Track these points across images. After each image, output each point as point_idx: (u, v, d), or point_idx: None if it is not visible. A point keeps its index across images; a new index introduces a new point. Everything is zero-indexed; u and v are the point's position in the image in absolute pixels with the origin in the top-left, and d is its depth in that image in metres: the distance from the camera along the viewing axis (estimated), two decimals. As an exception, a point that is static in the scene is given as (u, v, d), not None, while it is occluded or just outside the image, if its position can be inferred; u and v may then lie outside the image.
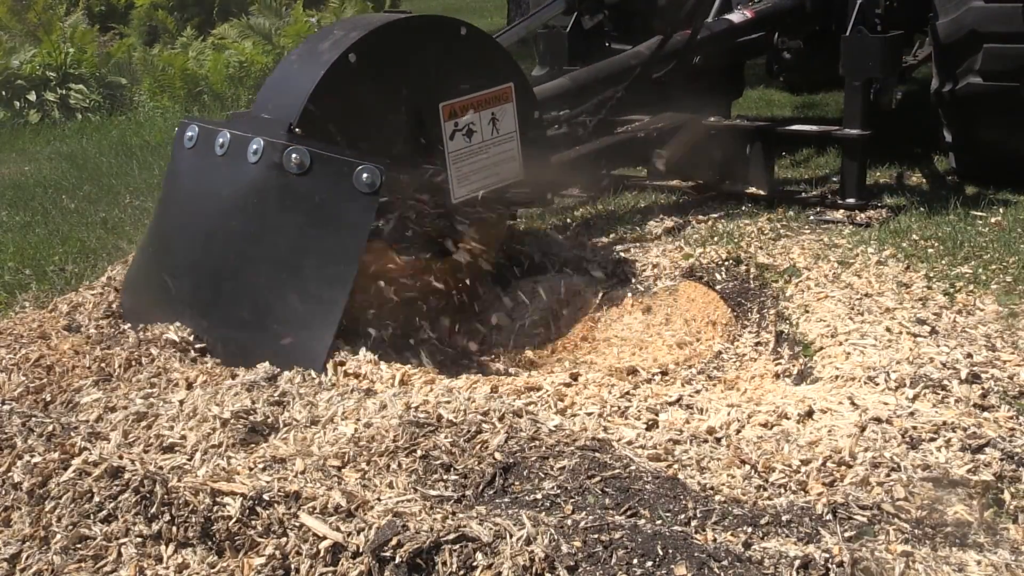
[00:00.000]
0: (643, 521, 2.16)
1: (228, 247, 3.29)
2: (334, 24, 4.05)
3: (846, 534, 2.13)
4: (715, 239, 4.47)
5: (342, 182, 3.08)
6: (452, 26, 3.77)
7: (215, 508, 2.20)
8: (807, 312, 3.50)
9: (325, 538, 2.10)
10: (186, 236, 3.46)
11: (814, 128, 5.48)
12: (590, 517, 2.15)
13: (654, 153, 3.98)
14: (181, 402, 2.80)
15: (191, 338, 3.26)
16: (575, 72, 5.06)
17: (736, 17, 5.43)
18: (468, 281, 3.76)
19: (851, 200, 4.87)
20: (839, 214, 4.82)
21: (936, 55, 5.09)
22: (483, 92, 3.79)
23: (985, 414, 2.64)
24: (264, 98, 3.55)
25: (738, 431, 2.62)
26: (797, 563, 1.98)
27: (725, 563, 1.98)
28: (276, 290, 3.15)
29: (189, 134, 3.45)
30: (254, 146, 3.21)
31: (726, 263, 4.15)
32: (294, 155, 3.13)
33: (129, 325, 3.41)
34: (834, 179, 5.35)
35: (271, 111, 3.41)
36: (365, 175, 3.05)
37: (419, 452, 2.45)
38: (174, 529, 2.20)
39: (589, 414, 2.72)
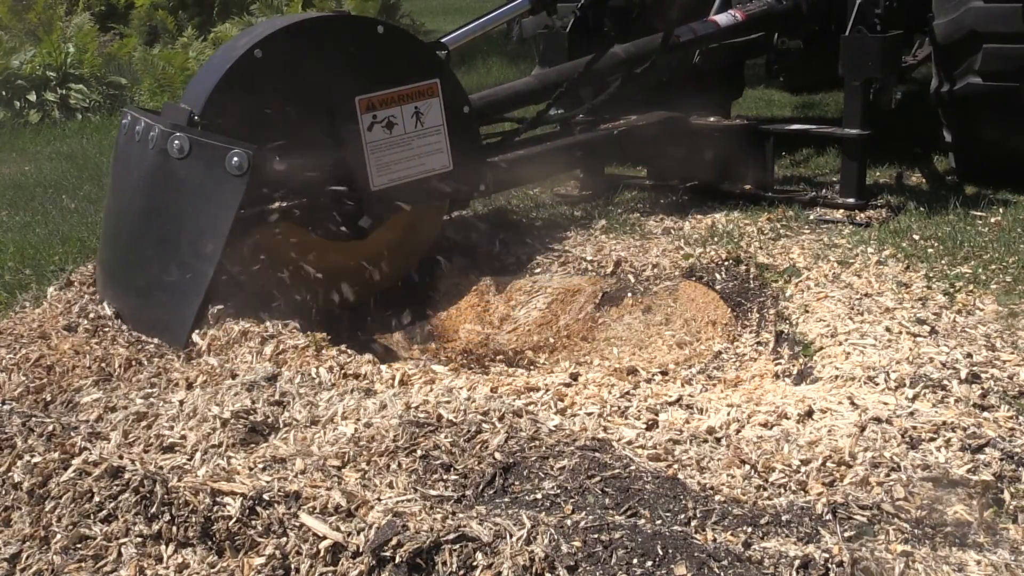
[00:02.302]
0: (643, 521, 2.16)
1: (131, 224, 3.66)
2: (264, 22, 4.31)
3: (846, 534, 2.13)
4: (715, 239, 4.47)
5: (215, 165, 3.35)
6: (368, 25, 4.02)
7: (215, 508, 2.20)
8: (807, 312, 3.50)
9: (325, 538, 2.10)
10: (110, 214, 3.89)
11: (813, 127, 5.48)
12: (590, 517, 2.15)
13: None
14: (181, 402, 2.80)
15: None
16: (544, 71, 5.09)
17: (723, 19, 5.41)
18: (392, 267, 4.15)
19: (851, 200, 4.87)
20: (839, 214, 4.82)
21: (936, 55, 5.09)
22: (404, 87, 3.99)
23: (985, 414, 2.64)
24: (187, 89, 3.88)
25: (738, 431, 2.63)
26: (797, 563, 1.98)
27: (725, 563, 1.98)
28: (161, 262, 3.48)
29: (124, 122, 3.77)
30: (151, 133, 3.51)
31: (726, 263, 4.15)
32: (176, 141, 3.41)
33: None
34: (834, 179, 5.35)
35: (188, 101, 3.69)
36: (235, 159, 3.32)
37: (419, 452, 2.46)
38: (174, 529, 2.20)
39: (589, 414, 2.72)
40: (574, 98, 5.05)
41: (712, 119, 5.22)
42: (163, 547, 2.18)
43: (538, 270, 4.30)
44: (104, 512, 2.26)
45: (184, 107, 3.63)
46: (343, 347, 3.21)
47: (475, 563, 2.02)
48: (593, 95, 5.08)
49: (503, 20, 5.46)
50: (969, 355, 2.97)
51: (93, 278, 4.00)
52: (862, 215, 4.79)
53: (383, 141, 3.95)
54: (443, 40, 4.79)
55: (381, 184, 3.96)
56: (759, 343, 3.66)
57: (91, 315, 3.57)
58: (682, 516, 2.19)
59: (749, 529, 2.14)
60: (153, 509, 2.22)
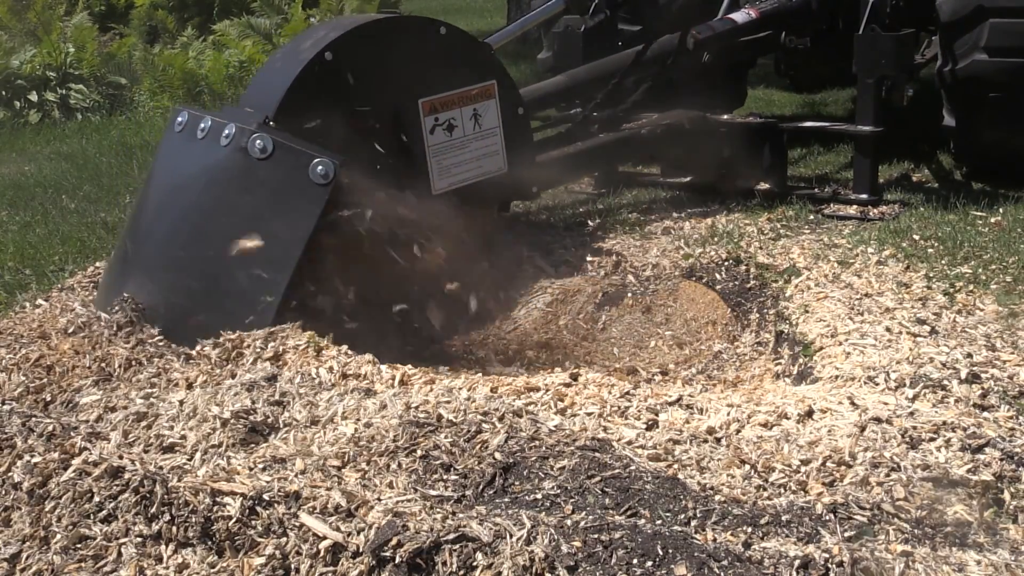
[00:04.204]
0: (643, 521, 2.16)
1: (186, 219, 3.50)
2: (322, 24, 4.25)
3: (846, 534, 2.13)
4: (715, 239, 4.47)
5: (298, 171, 3.27)
6: (431, 26, 3.94)
7: (215, 508, 2.20)
8: (807, 312, 3.50)
9: (325, 538, 2.10)
10: (152, 206, 3.71)
11: (830, 124, 5.48)
12: (590, 517, 2.15)
13: None
14: (181, 402, 2.80)
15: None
16: (574, 70, 5.07)
17: (740, 17, 5.43)
18: (454, 272, 3.88)
19: (863, 196, 4.89)
20: (851, 210, 4.84)
21: (941, 35, 5.05)
22: (464, 89, 3.95)
23: (985, 414, 2.64)
24: (248, 93, 3.81)
25: (738, 431, 2.62)
26: (797, 563, 1.98)
27: (725, 563, 1.98)
28: (226, 264, 3.31)
29: (180, 119, 3.67)
30: (226, 131, 3.41)
31: (726, 263, 4.15)
32: (258, 141, 3.32)
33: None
34: (841, 175, 5.36)
35: (253, 104, 3.64)
36: (320, 167, 3.24)
37: (419, 452, 2.45)
38: (174, 529, 2.20)
39: (589, 414, 2.72)
40: (591, 97, 5.03)
41: (738, 117, 5.24)
42: (163, 547, 2.18)
43: (537, 269, 4.30)
44: (104, 512, 2.26)
45: (248, 110, 3.57)
46: (343, 348, 3.21)
47: (475, 563, 2.02)
48: (607, 94, 5.00)
49: (540, 20, 5.46)
50: (969, 355, 2.97)
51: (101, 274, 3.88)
52: (875, 211, 4.81)
53: (444, 144, 3.92)
54: (486, 40, 4.76)
55: (442, 188, 3.92)
56: (759, 343, 3.66)
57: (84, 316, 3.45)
58: (682, 516, 2.19)
59: (749, 529, 2.14)
60: (153, 509, 2.22)
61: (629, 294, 4.08)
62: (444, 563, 2.02)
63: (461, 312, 3.87)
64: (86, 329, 3.30)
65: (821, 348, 3.21)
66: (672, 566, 1.97)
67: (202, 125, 3.51)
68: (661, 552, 2.00)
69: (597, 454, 2.43)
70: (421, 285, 3.73)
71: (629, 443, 2.54)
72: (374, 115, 3.71)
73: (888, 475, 2.34)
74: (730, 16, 5.46)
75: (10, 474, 2.42)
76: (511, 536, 2.05)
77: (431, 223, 3.72)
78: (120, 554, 2.18)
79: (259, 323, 3.21)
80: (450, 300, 3.85)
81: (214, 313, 3.29)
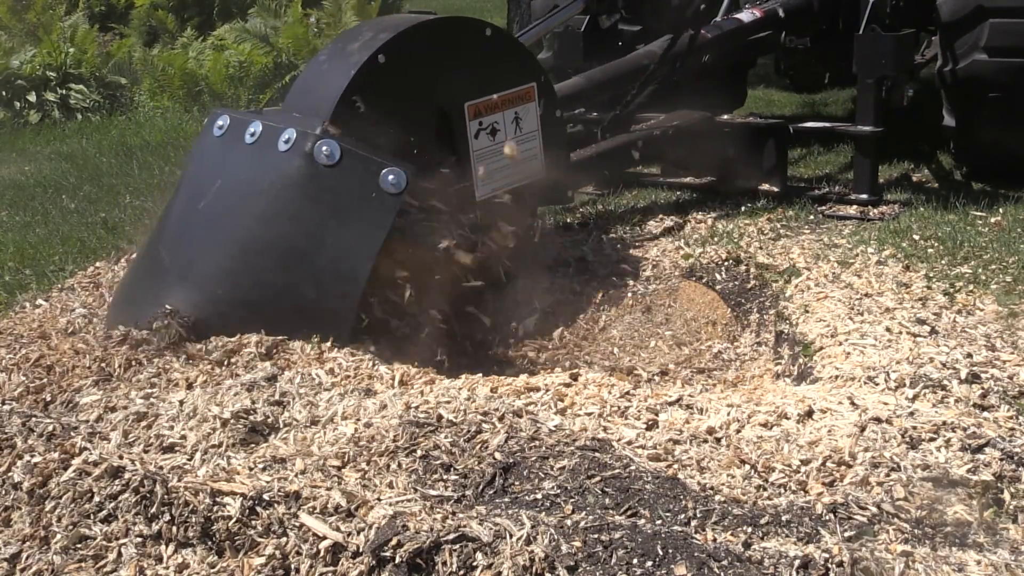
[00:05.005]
0: (643, 521, 2.16)
1: (241, 227, 3.30)
2: (362, 25, 4.10)
3: (846, 534, 2.13)
4: (715, 239, 4.47)
5: (369, 180, 3.13)
6: (478, 27, 3.82)
7: (215, 508, 2.20)
8: (807, 312, 3.50)
9: (325, 538, 2.10)
10: (193, 213, 3.45)
11: (829, 125, 5.48)
12: (590, 517, 2.15)
13: None
14: (181, 402, 2.80)
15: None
16: (590, 71, 5.06)
17: (746, 16, 5.44)
18: (490, 278, 3.78)
19: (864, 196, 4.90)
20: (852, 210, 4.84)
21: (941, 34, 5.06)
22: (507, 91, 3.83)
23: (985, 414, 2.64)
24: (295, 97, 3.61)
25: (738, 431, 2.62)
26: (797, 563, 1.98)
27: (725, 563, 1.98)
28: (288, 275, 3.16)
29: (220, 123, 3.49)
30: (286, 136, 3.25)
31: (726, 263, 4.15)
32: (324, 147, 3.17)
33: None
34: (841, 176, 5.37)
35: (302, 109, 3.47)
36: (392, 176, 3.12)
37: (419, 452, 2.45)
38: (174, 529, 2.20)
39: (589, 414, 2.72)
40: (593, 98, 5.00)
41: (746, 117, 5.25)
42: (163, 547, 2.18)
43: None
44: (104, 512, 2.26)
45: (295, 114, 3.42)
46: (343, 348, 3.20)
47: (475, 563, 2.02)
48: (633, 95, 4.93)
49: (563, 21, 5.45)
50: (969, 355, 2.97)
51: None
52: (875, 211, 4.81)
53: (487, 149, 3.79)
54: None
55: (484, 194, 3.77)
56: (759, 343, 3.66)
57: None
58: (682, 516, 2.19)
59: (749, 529, 2.14)
60: (153, 509, 2.22)
61: (629, 294, 4.08)
62: (444, 563, 2.02)
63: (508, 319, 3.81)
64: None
65: (821, 348, 3.21)
66: (672, 566, 1.97)
67: (251, 130, 3.35)
68: (661, 552, 2.00)
69: (597, 454, 2.43)
70: (471, 291, 3.63)
71: (629, 443, 2.54)
72: (424, 120, 3.60)
73: (888, 475, 2.34)
74: (737, 16, 5.47)
75: (10, 474, 2.42)
76: (511, 536, 2.05)
77: (480, 229, 3.64)
78: (120, 554, 2.18)
79: (338, 340, 3.08)
80: (495, 307, 3.77)
81: (276, 327, 3.14)
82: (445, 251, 3.40)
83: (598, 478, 2.32)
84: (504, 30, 4.04)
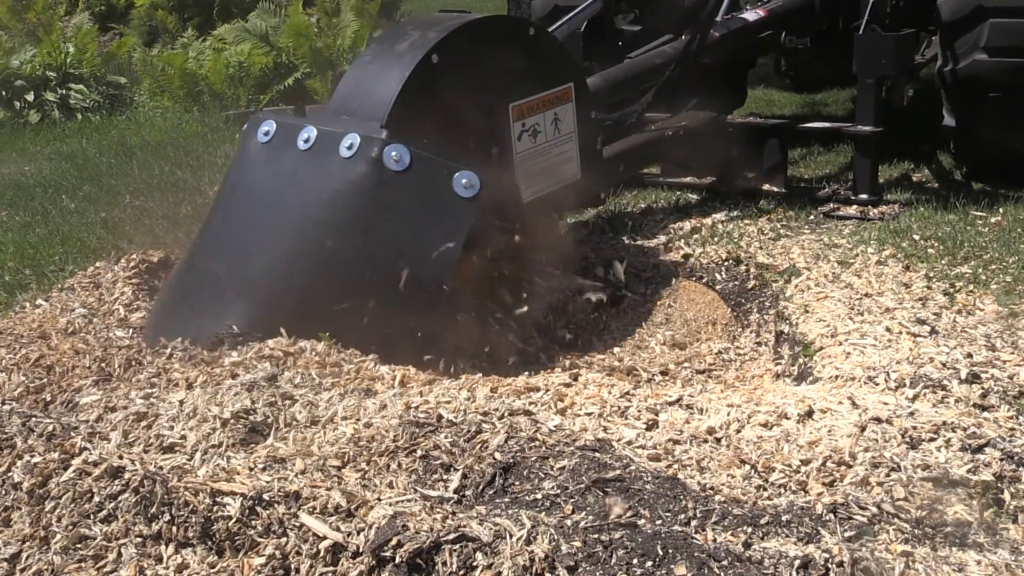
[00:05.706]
0: (643, 521, 2.16)
1: (307, 238, 3.20)
2: (404, 24, 4.00)
3: (846, 534, 2.13)
4: (715, 239, 4.47)
5: (442, 185, 3.05)
6: (522, 26, 3.77)
7: (215, 508, 2.20)
8: (807, 312, 3.50)
9: (325, 538, 2.10)
10: (249, 225, 3.35)
11: (829, 125, 5.48)
12: (590, 517, 2.15)
13: None
14: (181, 402, 2.79)
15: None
16: (605, 71, 5.04)
17: (750, 16, 5.44)
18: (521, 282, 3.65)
19: (864, 196, 4.90)
20: (852, 210, 4.84)
21: (941, 34, 5.06)
22: (548, 92, 3.77)
23: (985, 414, 2.64)
24: (343, 99, 3.48)
25: (738, 431, 2.62)
26: (797, 563, 1.98)
27: (725, 563, 1.98)
28: (365, 288, 3.07)
29: (266, 128, 3.38)
30: (348, 141, 3.16)
31: (726, 263, 4.15)
32: (393, 152, 3.09)
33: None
34: (841, 176, 5.37)
35: (350, 111, 3.36)
36: (465, 180, 3.05)
37: (419, 452, 2.45)
38: (174, 529, 2.19)
39: (589, 414, 2.72)
40: (609, 98, 4.98)
41: (746, 117, 5.25)
42: (163, 547, 2.18)
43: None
44: (104, 512, 2.26)
45: (344, 117, 3.31)
46: (344, 349, 3.19)
47: (475, 563, 2.02)
48: (654, 93, 4.87)
49: (582, 20, 5.45)
50: (969, 355, 2.97)
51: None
52: (875, 211, 4.81)
53: (530, 151, 3.70)
54: None
55: (527, 197, 3.64)
56: (759, 343, 3.66)
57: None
58: (682, 516, 2.19)
59: (749, 529, 2.14)
60: (153, 509, 2.22)
61: (629, 294, 4.08)
62: (444, 563, 2.02)
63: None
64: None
65: (821, 348, 3.21)
66: (672, 566, 1.97)
67: (304, 135, 3.23)
68: (661, 552, 2.00)
69: (597, 454, 2.43)
70: (526, 293, 3.51)
71: (629, 443, 2.54)
72: (473, 121, 3.52)
73: (888, 475, 2.34)
74: (741, 15, 5.47)
75: (10, 474, 2.42)
76: (511, 536, 2.05)
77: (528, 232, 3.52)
78: (120, 554, 2.18)
79: (435, 356, 3.00)
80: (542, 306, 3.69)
81: (356, 340, 3.06)
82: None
83: (598, 478, 2.32)
84: (546, 30, 3.93)
